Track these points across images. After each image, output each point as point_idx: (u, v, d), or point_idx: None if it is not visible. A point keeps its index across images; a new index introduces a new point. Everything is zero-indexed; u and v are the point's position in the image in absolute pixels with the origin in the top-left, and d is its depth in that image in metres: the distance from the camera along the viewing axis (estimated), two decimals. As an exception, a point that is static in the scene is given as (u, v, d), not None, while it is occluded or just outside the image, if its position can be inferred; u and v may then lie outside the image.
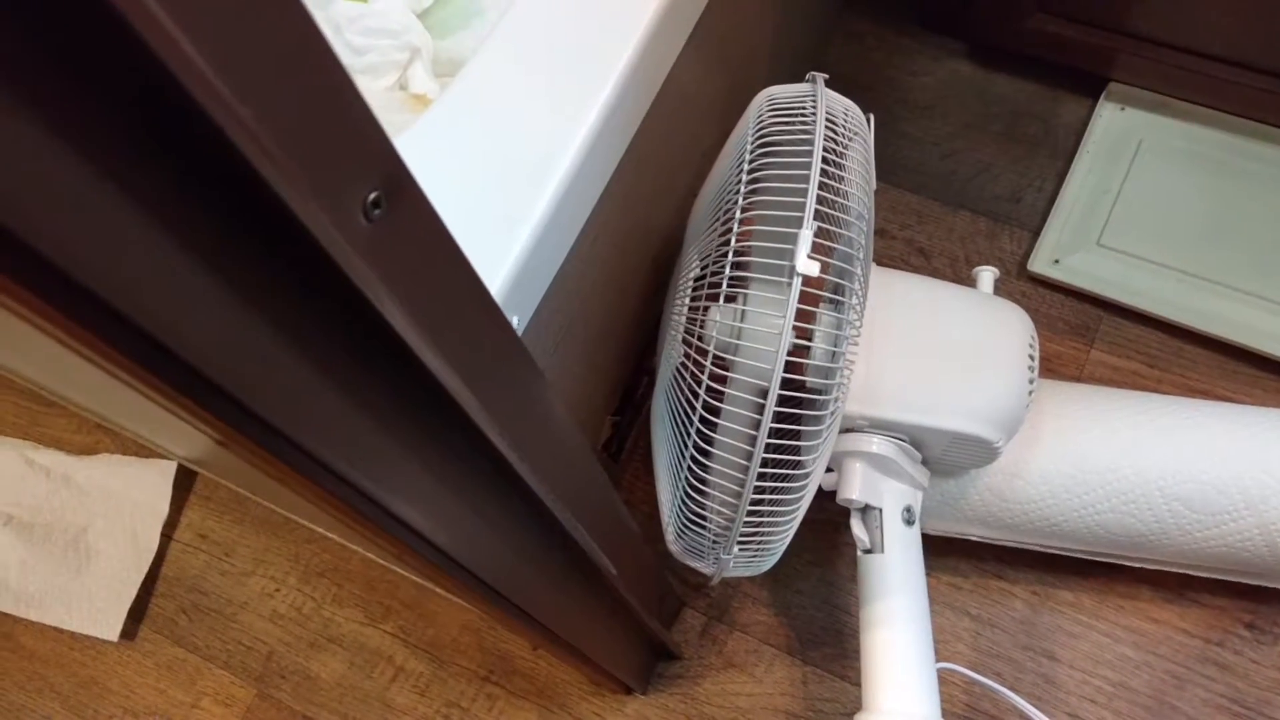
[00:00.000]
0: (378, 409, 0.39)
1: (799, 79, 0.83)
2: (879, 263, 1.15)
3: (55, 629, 1.14)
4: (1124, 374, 1.07)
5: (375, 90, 0.99)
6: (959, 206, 1.17)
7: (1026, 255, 1.12)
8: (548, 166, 0.67)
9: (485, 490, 0.51)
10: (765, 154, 0.77)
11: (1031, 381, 0.84)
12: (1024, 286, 1.12)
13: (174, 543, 1.17)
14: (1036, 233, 1.14)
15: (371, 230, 0.31)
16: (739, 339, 0.78)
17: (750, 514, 0.76)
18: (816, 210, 0.71)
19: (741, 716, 1.00)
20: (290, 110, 0.26)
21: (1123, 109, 1.17)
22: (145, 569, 1.15)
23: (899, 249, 1.16)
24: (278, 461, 0.35)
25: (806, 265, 0.69)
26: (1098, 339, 1.09)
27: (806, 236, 0.69)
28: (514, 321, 0.66)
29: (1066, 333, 1.10)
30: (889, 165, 1.19)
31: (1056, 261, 1.11)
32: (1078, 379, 1.08)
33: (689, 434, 0.77)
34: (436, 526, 0.48)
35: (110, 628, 1.13)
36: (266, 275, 0.31)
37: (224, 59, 0.24)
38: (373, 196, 0.31)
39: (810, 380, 0.76)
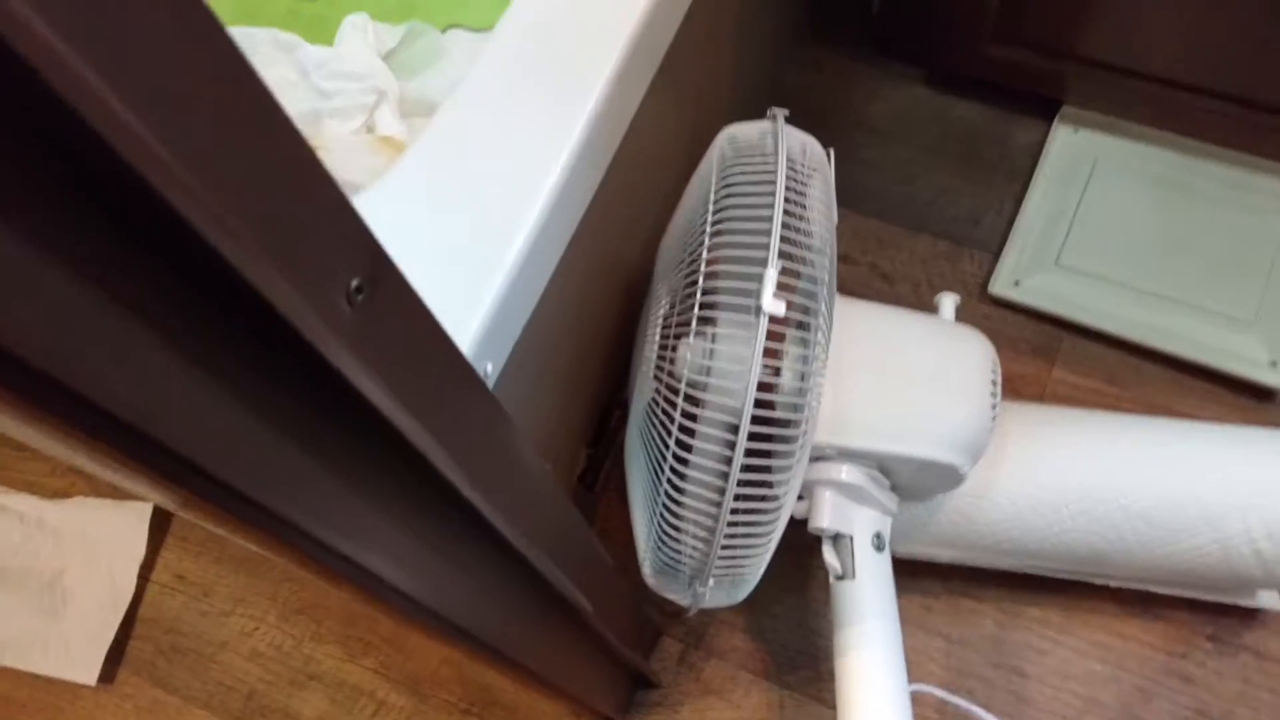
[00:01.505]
0: (341, 461, 0.40)
1: (761, 111, 0.85)
2: (843, 289, 1.17)
3: (31, 674, 1.14)
4: (1085, 392, 1.10)
5: (343, 133, 1.00)
6: (920, 230, 1.19)
7: (988, 277, 1.15)
8: (517, 214, 0.69)
9: (457, 537, 0.52)
10: (728, 193, 0.78)
11: (994, 406, 0.86)
12: (986, 309, 1.15)
13: (151, 584, 1.17)
14: (997, 254, 1.16)
15: (355, 316, 0.33)
16: (709, 373, 0.80)
17: (725, 545, 0.78)
18: (780, 249, 0.73)
19: (721, 741, 1.02)
20: (276, 216, 0.28)
21: (1076, 131, 1.20)
22: (123, 611, 1.15)
23: (862, 274, 1.18)
24: (238, 521, 0.36)
25: (773, 305, 0.70)
26: (1059, 358, 1.12)
27: (771, 276, 0.71)
28: (488, 368, 0.67)
29: (1029, 353, 1.12)
30: (850, 192, 1.21)
31: (1017, 283, 1.13)
32: (1040, 399, 1.10)
33: (663, 469, 0.78)
34: (404, 573, 0.49)
35: (88, 671, 1.13)
36: (236, 347, 0.32)
37: (207, 173, 0.25)
38: (355, 283, 0.33)
39: (779, 411, 0.78)
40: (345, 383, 0.34)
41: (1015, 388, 1.11)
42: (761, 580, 0.95)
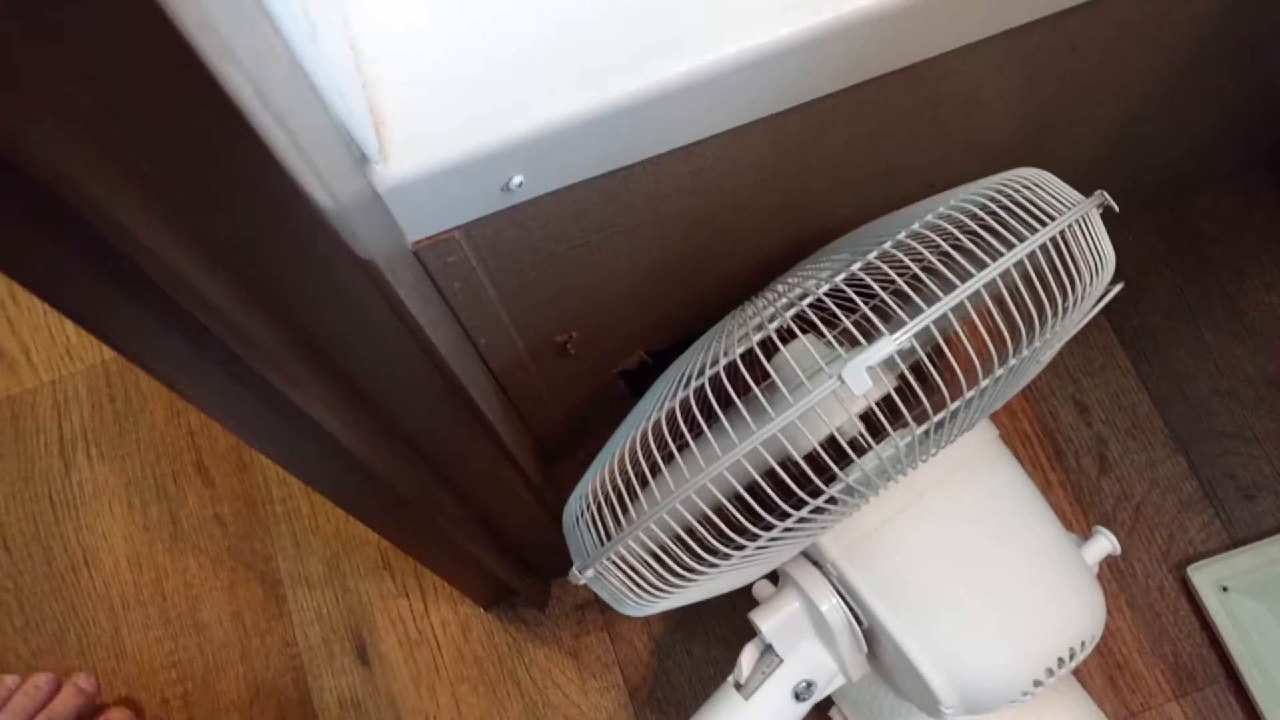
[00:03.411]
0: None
1: (1119, 183, 0.61)
2: (1046, 436, 0.93)
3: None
4: (1183, 753, 0.84)
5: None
6: (1182, 451, 0.92)
7: (1203, 555, 0.88)
8: (725, 32, 0.50)
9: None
10: (966, 222, 0.57)
11: (1039, 684, 0.64)
12: (1165, 581, 0.88)
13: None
14: (1236, 544, 0.89)
15: None
16: (795, 384, 0.60)
17: (629, 553, 0.61)
18: (934, 332, 0.52)
19: (543, 706, 0.88)
20: None
21: None
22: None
23: (1082, 438, 0.93)
24: None
25: (855, 378, 0.51)
26: (1191, 699, 0.85)
27: (884, 348, 0.51)
28: (515, 180, 0.51)
29: (1169, 664, 0.86)
30: (1154, 354, 0.95)
31: (1225, 589, 0.86)
32: (1129, 716, 0.85)
33: (658, 411, 0.61)
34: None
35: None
36: None
37: None
38: None
39: (807, 488, 0.59)
40: None
41: (1116, 682, 0.86)
42: (709, 616, 0.80)
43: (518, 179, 0.52)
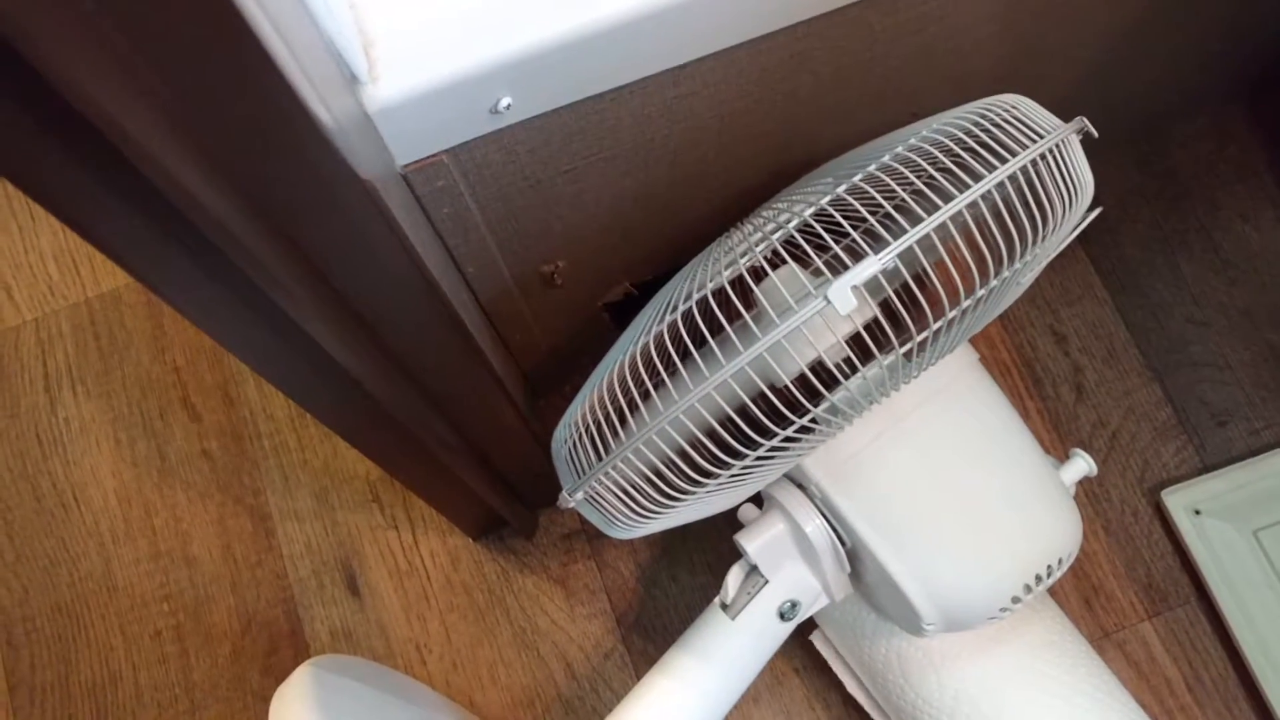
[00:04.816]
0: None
1: (1096, 109, 0.62)
2: (1027, 364, 0.94)
3: None
4: (1154, 671, 0.86)
5: None
6: (1158, 379, 0.94)
7: (1176, 480, 0.90)
8: None
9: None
10: (941, 148, 0.58)
11: (1017, 600, 0.66)
12: (1141, 504, 0.90)
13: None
14: (1208, 469, 0.91)
15: None
16: (783, 309, 0.61)
17: (636, 479, 0.62)
18: (919, 255, 0.53)
19: (532, 633, 0.89)
20: None
21: None
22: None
23: (1060, 368, 0.95)
24: None
25: (841, 297, 0.52)
26: (1164, 619, 0.88)
27: (868, 268, 0.51)
28: (504, 102, 0.52)
29: (1140, 585, 0.89)
30: (1130, 285, 0.96)
31: (1197, 513, 0.88)
32: (1103, 636, 0.87)
33: (645, 336, 0.62)
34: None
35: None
36: None
37: None
38: None
39: (794, 409, 0.60)
40: None
41: (1089, 600, 0.88)
42: (694, 544, 0.81)
43: (505, 101, 0.52)
